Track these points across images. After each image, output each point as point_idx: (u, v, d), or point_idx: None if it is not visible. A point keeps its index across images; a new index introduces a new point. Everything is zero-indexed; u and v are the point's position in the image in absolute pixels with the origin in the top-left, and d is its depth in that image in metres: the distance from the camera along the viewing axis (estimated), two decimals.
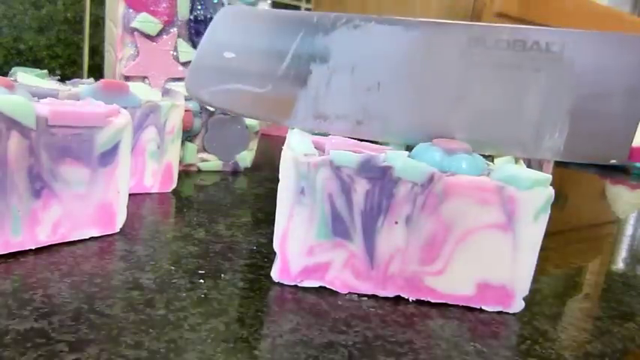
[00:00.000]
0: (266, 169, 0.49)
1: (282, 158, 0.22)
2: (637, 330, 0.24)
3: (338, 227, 0.23)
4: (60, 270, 0.22)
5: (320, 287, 0.24)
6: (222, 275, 0.24)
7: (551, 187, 0.22)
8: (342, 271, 0.23)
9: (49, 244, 0.24)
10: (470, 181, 0.22)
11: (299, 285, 0.23)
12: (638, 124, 0.25)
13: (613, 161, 0.26)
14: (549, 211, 0.22)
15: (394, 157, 0.22)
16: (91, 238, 0.26)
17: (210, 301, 0.21)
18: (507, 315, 0.23)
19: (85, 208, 0.26)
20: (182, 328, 0.19)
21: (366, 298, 0.23)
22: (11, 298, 0.20)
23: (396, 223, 0.22)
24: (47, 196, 0.24)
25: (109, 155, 0.26)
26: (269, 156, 0.55)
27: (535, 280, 0.24)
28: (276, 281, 0.24)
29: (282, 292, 0.23)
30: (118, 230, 0.28)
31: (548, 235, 0.23)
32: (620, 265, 0.35)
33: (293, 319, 0.21)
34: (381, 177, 0.22)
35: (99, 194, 0.26)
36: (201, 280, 0.23)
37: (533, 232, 0.23)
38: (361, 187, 0.22)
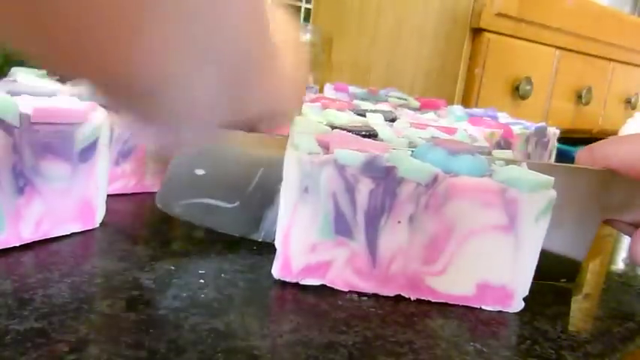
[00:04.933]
0: None
1: (285, 157, 0.22)
2: (637, 330, 0.24)
3: (341, 226, 0.23)
4: (60, 270, 0.22)
5: (320, 287, 0.24)
6: (222, 275, 0.24)
7: (553, 190, 0.22)
8: (344, 270, 0.23)
9: (33, 240, 0.24)
10: (473, 182, 0.22)
11: (300, 282, 0.23)
12: (587, 249, 0.27)
13: (563, 280, 0.27)
14: (551, 213, 0.22)
15: (398, 157, 0.22)
16: (91, 238, 0.26)
17: (210, 301, 0.21)
18: (507, 315, 0.23)
19: (66, 203, 0.26)
20: (182, 328, 0.19)
21: (366, 298, 0.23)
22: (11, 298, 0.20)
23: (399, 222, 0.22)
24: (30, 192, 0.24)
25: (88, 151, 0.26)
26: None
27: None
28: (277, 278, 0.23)
29: (283, 292, 0.23)
30: (98, 225, 0.28)
31: None
32: (620, 265, 0.35)
33: (293, 319, 0.21)
34: (385, 176, 0.22)
35: (79, 190, 0.26)
36: (201, 280, 0.23)
37: (534, 233, 0.23)
38: (365, 186, 0.22)
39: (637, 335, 0.23)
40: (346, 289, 0.23)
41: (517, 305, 0.24)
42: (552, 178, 0.22)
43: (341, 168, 0.22)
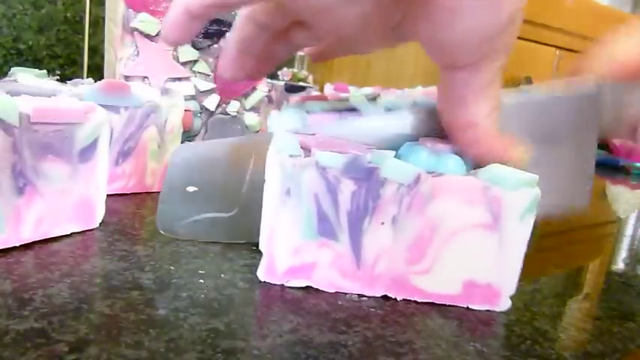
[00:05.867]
0: None
1: (267, 159, 0.22)
2: (637, 330, 0.24)
3: (324, 227, 0.23)
4: (60, 270, 0.22)
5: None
6: (222, 275, 0.24)
7: (537, 188, 0.22)
8: (329, 271, 0.23)
9: (33, 240, 0.25)
10: (456, 181, 0.22)
11: (285, 285, 0.23)
12: (591, 176, 0.27)
13: (575, 208, 0.27)
14: (535, 212, 0.22)
15: (380, 158, 0.22)
16: (91, 238, 0.26)
17: (210, 301, 0.21)
18: (507, 315, 0.23)
19: (66, 204, 0.26)
20: (182, 328, 0.19)
21: (366, 298, 0.23)
22: (11, 298, 0.20)
23: (383, 223, 0.22)
24: (30, 192, 0.24)
25: (88, 151, 0.26)
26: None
27: (535, 280, 0.24)
28: (262, 281, 0.23)
29: (283, 292, 0.23)
30: (98, 225, 0.28)
31: (549, 235, 0.23)
32: (620, 265, 0.35)
33: (293, 319, 0.21)
34: (367, 178, 0.22)
35: (79, 190, 0.26)
36: (201, 280, 0.23)
37: (519, 232, 0.23)
38: (347, 187, 0.22)
39: (637, 335, 0.23)
40: (332, 291, 0.23)
41: (504, 304, 0.24)
42: (536, 177, 0.22)
43: (322, 170, 0.22)
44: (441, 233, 0.23)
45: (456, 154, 0.23)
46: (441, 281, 0.23)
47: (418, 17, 0.23)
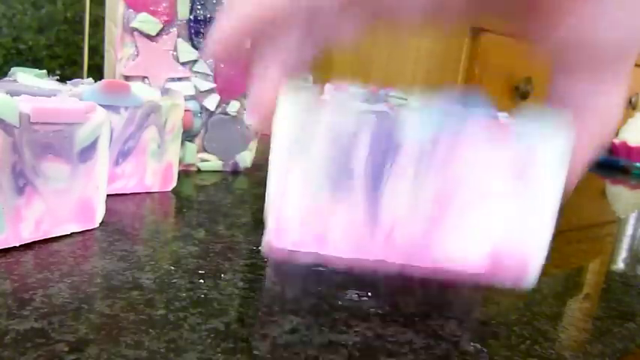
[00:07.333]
0: (266, 169, 0.49)
1: (277, 106, 0.20)
2: (637, 330, 0.24)
3: (338, 186, 0.20)
4: (60, 270, 0.22)
5: (320, 287, 0.24)
6: (222, 275, 0.24)
7: (569, 132, 0.20)
8: (341, 239, 0.21)
9: (33, 240, 0.25)
10: (481, 131, 0.20)
11: (294, 255, 0.21)
12: None
13: None
14: (567, 164, 0.20)
15: (402, 110, 0.20)
16: (92, 239, 0.26)
17: (210, 301, 0.21)
18: (507, 315, 0.24)
19: (65, 204, 0.26)
20: (182, 328, 0.19)
21: (366, 298, 0.23)
22: (11, 298, 0.20)
23: (402, 181, 0.20)
24: (30, 192, 0.24)
25: (88, 151, 0.26)
26: (269, 156, 0.55)
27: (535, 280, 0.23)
28: (270, 248, 0.21)
29: (283, 292, 0.23)
30: (98, 225, 0.28)
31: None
32: (620, 265, 0.35)
33: (293, 319, 0.21)
34: (387, 130, 0.20)
35: (79, 190, 0.26)
36: (201, 280, 0.23)
37: (550, 185, 0.20)
38: (364, 141, 0.20)
39: (637, 335, 0.23)
40: (346, 257, 0.21)
41: (532, 276, 0.21)
42: (567, 119, 0.20)
43: (338, 119, 0.20)
44: (465, 193, 0.20)
45: (482, 105, 0.21)
46: (464, 249, 0.21)
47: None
